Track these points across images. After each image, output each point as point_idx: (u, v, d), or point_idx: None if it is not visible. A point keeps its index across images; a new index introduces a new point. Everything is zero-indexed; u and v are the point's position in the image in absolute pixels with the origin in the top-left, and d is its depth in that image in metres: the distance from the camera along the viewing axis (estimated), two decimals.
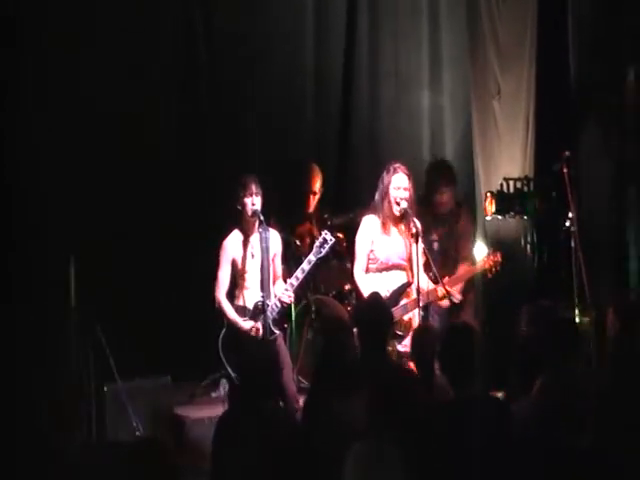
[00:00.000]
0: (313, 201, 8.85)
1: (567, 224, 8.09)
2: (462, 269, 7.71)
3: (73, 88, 8.13)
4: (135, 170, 8.76)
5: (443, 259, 7.71)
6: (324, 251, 7.46)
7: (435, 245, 7.77)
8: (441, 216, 7.86)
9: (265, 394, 5.35)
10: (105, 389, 7.44)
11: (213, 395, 8.43)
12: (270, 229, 7.42)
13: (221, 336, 7.35)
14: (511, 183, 8.85)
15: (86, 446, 7.11)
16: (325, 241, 7.43)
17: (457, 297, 7.51)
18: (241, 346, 7.12)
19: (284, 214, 8.37)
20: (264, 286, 7.23)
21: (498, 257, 7.53)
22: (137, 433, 7.29)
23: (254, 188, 7.29)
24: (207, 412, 7.69)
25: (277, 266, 7.51)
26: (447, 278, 7.38)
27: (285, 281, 7.49)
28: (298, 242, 8.65)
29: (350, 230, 8.29)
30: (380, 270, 7.28)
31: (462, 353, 5.13)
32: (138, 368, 7.71)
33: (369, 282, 7.22)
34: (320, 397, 5.64)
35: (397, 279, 7.26)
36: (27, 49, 7.53)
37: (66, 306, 7.20)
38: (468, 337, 5.24)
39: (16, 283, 6.72)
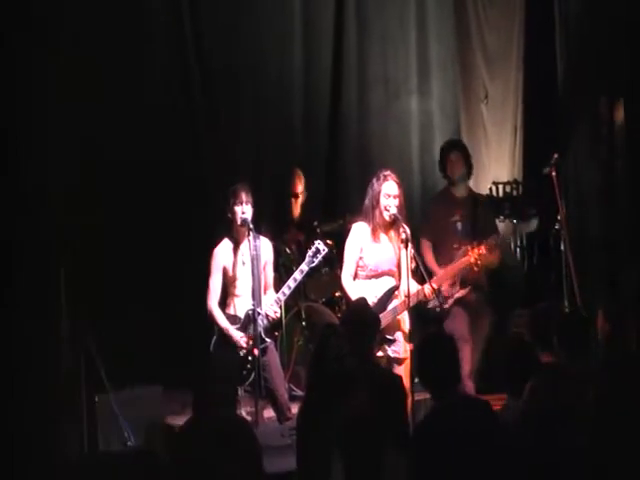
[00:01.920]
0: (296, 205, 8.85)
1: (556, 227, 8.12)
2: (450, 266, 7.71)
3: (70, 97, 8.13)
4: (127, 180, 8.76)
5: (466, 239, 7.72)
6: (317, 261, 7.49)
7: (458, 225, 7.79)
8: (459, 199, 7.88)
9: (223, 403, 5.34)
10: (96, 399, 7.40)
11: None
12: (261, 237, 7.42)
13: (212, 344, 7.35)
14: (500, 187, 8.88)
15: (80, 456, 7.09)
16: (318, 251, 7.45)
17: (448, 302, 7.52)
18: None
19: (271, 221, 8.38)
20: (255, 294, 7.22)
21: (482, 249, 7.48)
22: (128, 443, 7.27)
23: (244, 197, 7.29)
24: None
25: (268, 275, 7.51)
26: (434, 277, 7.37)
27: (276, 289, 7.49)
28: (288, 250, 8.65)
29: (339, 237, 8.29)
30: (369, 277, 7.27)
31: (440, 360, 5.12)
32: (129, 377, 7.69)
33: (357, 288, 7.21)
34: (315, 403, 5.63)
35: (386, 286, 7.25)
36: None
37: (57, 315, 7.18)
38: (445, 344, 5.22)
39: (6, 294, 6.70)
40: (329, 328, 6.03)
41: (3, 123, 6.91)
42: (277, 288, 7.56)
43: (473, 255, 7.46)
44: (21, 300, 6.63)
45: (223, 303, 7.43)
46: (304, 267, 7.44)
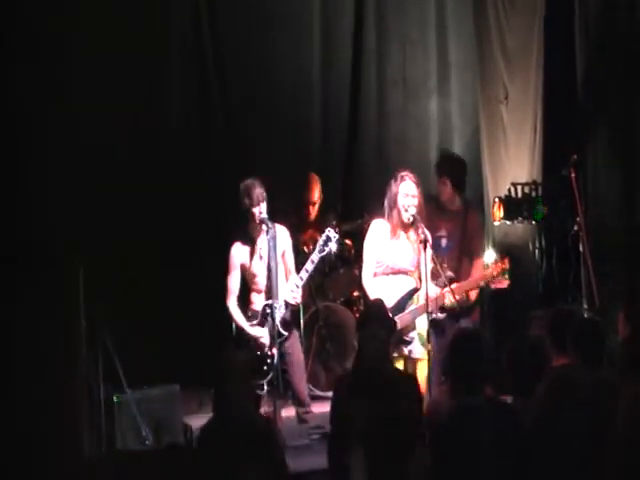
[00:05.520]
0: (313, 210, 8.85)
1: (575, 228, 8.08)
2: (472, 277, 7.66)
3: (81, 96, 8.16)
4: (143, 181, 8.80)
5: (450, 255, 7.64)
6: (327, 249, 7.39)
7: (443, 241, 7.66)
8: (450, 213, 7.79)
9: (243, 401, 5.34)
10: (114, 399, 7.41)
11: None
12: (277, 225, 7.35)
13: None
14: (519, 188, 8.83)
15: (101, 456, 7.12)
16: (329, 238, 7.36)
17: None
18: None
19: (287, 221, 8.39)
20: (272, 289, 7.20)
21: (506, 264, 7.44)
22: (146, 442, 7.28)
23: (260, 197, 7.27)
24: None
25: (288, 261, 7.45)
26: (455, 284, 7.33)
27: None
28: (305, 249, 8.65)
29: (358, 237, 8.29)
30: (387, 274, 7.28)
31: (470, 359, 5.12)
32: (147, 377, 7.70)
33: (377, 286, 7.21)
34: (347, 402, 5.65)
35: (404, 283, 7.25)
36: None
37: (75, 315, 7.19)
38: (475, 343, 5.23)
39: (24, 294, 6.71)
40: (368, 331, 6.01)
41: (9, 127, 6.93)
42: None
43: (496, 269, 7.44)
44: (39, 300, 6.64)
45: (247, 300, 7.43)
46: (316, 255, 7.35)
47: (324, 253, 7.38)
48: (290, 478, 5.43)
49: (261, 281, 7.37)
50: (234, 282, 7.39)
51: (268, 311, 7.23)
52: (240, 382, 5.34)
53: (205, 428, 5.40)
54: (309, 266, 7.35)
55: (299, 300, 7.41)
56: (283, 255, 7.37)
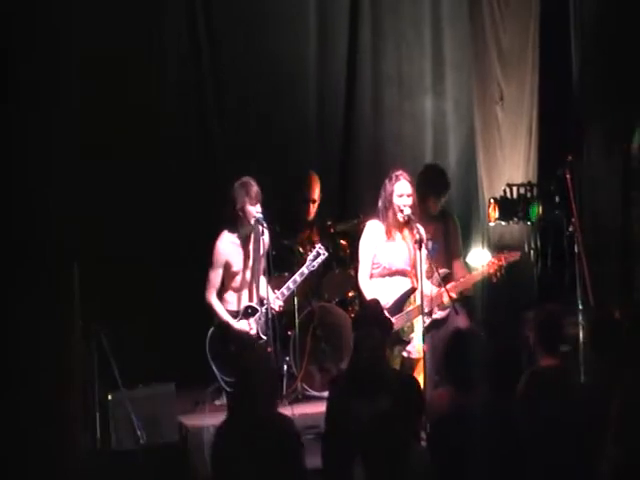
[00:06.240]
0: (313, 209, 8.86)
1: (570, 229, 8.09)
2: (463, 273, 7.67)
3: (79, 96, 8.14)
4: (140, 179, 8.80)
5: (436, 256, 7.66)
6: (317, 264, 7.62)
7: (429, 243, 7.70)
8: (432, 216, 7.81)
9: (265, 401, 5.31)
10: (109, 398, 7.41)
11: (217, 403, 8.41)
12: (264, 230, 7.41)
13: (209, 335, 7.36)
14: (514, 189, 8.85)
15: (101, 453, 7.13)
16: (318, 254, 7.60)
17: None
18: (233, 348, 7.18)
19: (286, 222, 8.40)
20: (258, 288, 7.23)
21: (502, 260, 7.50)
22: (141, 441, 7.27)
23: (258, 195, 7.28)
24: (211, 420, 7.65)
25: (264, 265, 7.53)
26: (452, 283, 7.35)
27: (272, 285, 7.50)
28: (301, 249, 8.65)
29: (353, 237, 8.30)
30: (383, 275, 7.29)
31: (468, 359, 5.13)
32: (142, 375, 7.70)
33: (373, 288, 7.22)
34: (342, 402, 5.65)
35: (400, 285, 7.26)
36: None
37: (71, 315, 7.19)
38: (473, 343, 5.24)
39: (20, 294, 6.71)
40: (364, 331, 6.03)
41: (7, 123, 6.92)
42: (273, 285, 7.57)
43: (493, 266, 7.48)
44: (35, 300, 6.63)
45: (225, 299, 7.44)
46: (304, 270, 7.54)
47: (313, 268, 7.63)
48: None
49: (241, 280, 7.40)
50: (217, 278, 7.42)
51: (263, 311, 7.23)
52: (263, 382, 5.31)
53: (221, 428, 5.38)
54: (298, 277, 7.51)
55: (282, 307, 7.45)
56: (260, 258, 7.39)
